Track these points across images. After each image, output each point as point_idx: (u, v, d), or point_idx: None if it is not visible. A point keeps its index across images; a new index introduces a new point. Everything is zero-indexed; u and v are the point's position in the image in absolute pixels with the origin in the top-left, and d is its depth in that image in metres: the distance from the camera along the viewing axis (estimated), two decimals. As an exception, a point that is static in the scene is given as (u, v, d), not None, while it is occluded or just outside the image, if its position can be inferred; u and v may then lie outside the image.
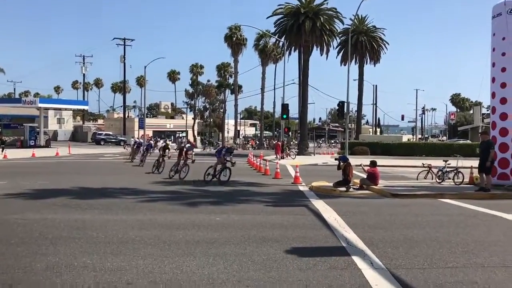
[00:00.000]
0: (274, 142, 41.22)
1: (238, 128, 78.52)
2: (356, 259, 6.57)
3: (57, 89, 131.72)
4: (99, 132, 69.94)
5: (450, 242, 7.78)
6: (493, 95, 16.30)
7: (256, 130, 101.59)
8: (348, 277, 5.77)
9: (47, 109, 60.78)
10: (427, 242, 7.72)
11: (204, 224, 9.08)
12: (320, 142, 75.20)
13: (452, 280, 5.72)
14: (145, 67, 55.17)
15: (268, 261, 6.45)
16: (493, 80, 16.28)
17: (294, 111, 58.49)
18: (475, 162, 15.73)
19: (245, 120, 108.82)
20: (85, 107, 68.83)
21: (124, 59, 63.12)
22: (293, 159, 35.31)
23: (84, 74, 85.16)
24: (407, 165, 28.37)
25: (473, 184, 16.51)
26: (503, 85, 15.70)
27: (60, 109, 68.63)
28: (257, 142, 66.19)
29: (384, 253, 6.97)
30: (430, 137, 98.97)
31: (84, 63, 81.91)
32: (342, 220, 9.67)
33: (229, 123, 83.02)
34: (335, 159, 17.30)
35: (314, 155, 43.50)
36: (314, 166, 29.17)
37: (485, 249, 7.30)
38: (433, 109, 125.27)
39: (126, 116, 73.14)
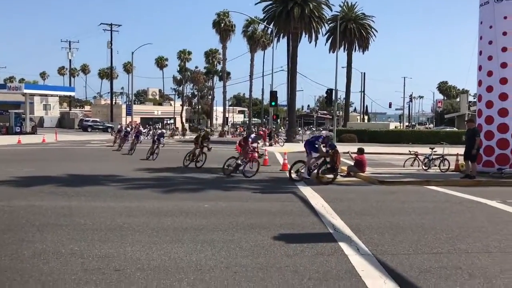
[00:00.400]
0: (262, 130, 41.07)
1: (227, 115, 78.32)
2: (343, 245, 6.65)
3: (43, 75, 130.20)
4: (86, 118, 69.28)
5: (435, 228, 7.90)
6: (479, 83, 16.45)
7: (244, 117, 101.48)
8: (334, 262, 5.84)
9: (32, 95, 59.95)
10: (412, 229, 7.82)
11: (192, 211, 9.09)
12: (306, 129, 75.25)
13: (436, 265, 5.82)
14: (132, 53, 54.82)
15: (256, 247, 6.49)
16: (479, 68, 16.41)
17: (282, 98, 58.44)
18: (461, 150, 15.92)
19: (234, 107, 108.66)
20: (72, 93, 68.07)
21: (111, 45, 62.34)
22: (282, 146, 35.42)
23: (70, 60, 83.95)
24: (394, 152, 28.59)
25: (458, 171, 16.72)
26: (490, 74, 15.84)
27: (46, 95, 67.76)
28: (246, 129, 66.09)
29: (371, 239, 7.06)
30: (417, 125, 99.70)
31: (70, 49, 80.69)
32: (329, 206, 9.75)
33: (218, 110, 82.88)
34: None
35: (302, 142, 43.60)
36: (302, 153, 29.22)
37: (469, 235, 7.43)
38: (421, 97, 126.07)
39: (114, 103, 72.49)
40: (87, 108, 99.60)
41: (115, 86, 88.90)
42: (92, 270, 5.37)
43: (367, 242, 6.86)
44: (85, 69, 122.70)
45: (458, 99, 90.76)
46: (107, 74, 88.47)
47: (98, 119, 67.60)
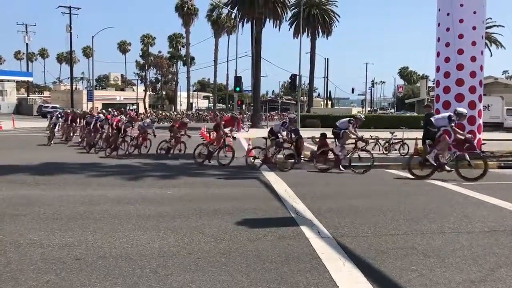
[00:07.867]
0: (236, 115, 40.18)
1: (191, 101, 77.67)
2: (304, 228, 6.79)
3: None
4: (46, 104, 67.24)
5: (394, 210, 8.16)
6: (437, 69, 16.92)
7: (209, 102, 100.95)
8: (296, 246, 5.96)
9: (-13, 80, 57.72)
10: (372, 211, 8.05)
11: (156, 198, 9.05)
12: (270, 115, 75.43)
13: (393, 246, 6.04)
14: (92, 37, 53.28)
15: (219, 233, 6.54)
16: (438, 54, 16.86)
17: (247, 84, 58.58)
18: (420, 134, 16.38)
19: (198, 93, 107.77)
20: (29, 79, 66.13)
21: (70, 29, 60.35)
22: (247, 132, 35.47)
23: (27, 44, 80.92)
24: (357, 137, 29.01)
25: (417, 155, 17.17)
26: (447, 60, 16.31)
27: (1, 80, 65.35)
28: (210, 114, 65.60)
29: (331, 222, 7.22)
30: (379, 110, 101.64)
31: (27, 32, 77.77)
32: (292, 191, 9.90)
33: (182, 96, 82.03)
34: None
35: (267, 127, 43.77)
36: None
37: (425, 217, 7.71)
38: (382, 82, 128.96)
39: (74, 88, 70.53)
40: (46, 94, 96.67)
41: (75, 71, 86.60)
42: (52, 260, 5.30)
43: (327, 225, 7.02)
44: (43, 54, 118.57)
45: (418, 84, 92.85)
46: (66, 58, 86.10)
47: (58, 105, 65.64)
